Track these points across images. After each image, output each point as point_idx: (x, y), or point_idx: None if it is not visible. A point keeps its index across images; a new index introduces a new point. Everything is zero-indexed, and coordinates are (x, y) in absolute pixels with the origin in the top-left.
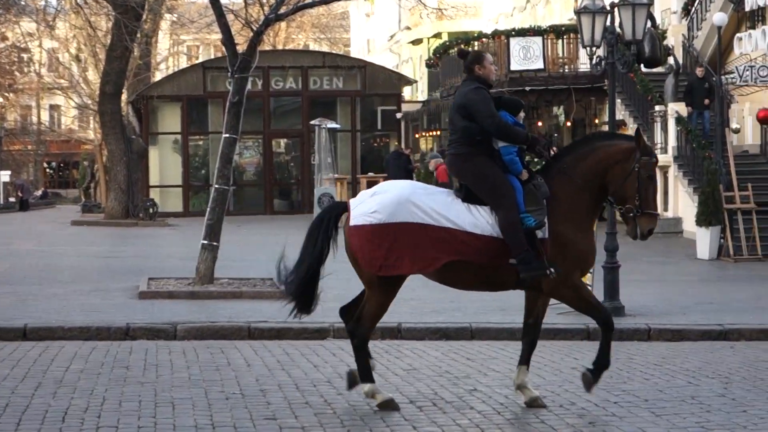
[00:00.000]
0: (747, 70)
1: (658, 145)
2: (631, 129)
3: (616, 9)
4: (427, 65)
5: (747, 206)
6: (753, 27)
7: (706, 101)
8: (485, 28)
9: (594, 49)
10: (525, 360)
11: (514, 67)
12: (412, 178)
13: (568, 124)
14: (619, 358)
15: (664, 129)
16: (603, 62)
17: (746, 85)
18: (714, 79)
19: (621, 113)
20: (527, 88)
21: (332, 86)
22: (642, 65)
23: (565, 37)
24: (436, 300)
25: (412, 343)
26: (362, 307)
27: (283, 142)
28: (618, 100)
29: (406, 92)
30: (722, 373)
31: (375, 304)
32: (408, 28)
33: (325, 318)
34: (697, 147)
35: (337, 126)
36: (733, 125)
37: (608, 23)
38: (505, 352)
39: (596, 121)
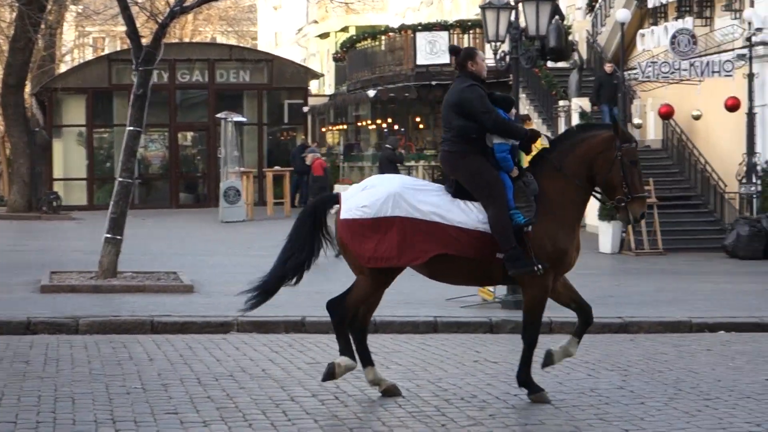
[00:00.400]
0: (649, 66)
1: None
2: (535, 123)
3: (520, 5)
4: (335, 59)
5: (649, 201)
6: (656, 23)
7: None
8: (392, 22)
9: (498, 44)
10: (578, 334)
11: (420, 61)
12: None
13: None
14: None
15: (568, 124)
16: (507, 57)
17: (648, 81)
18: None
19: (526, 108)
20: (434, 83)
21: (239, 79)
22: (548, 58)
23: (471, 31)
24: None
25: (316, 337)
26: (349, 289)
27: (189, 135)
28: (523, 95)
29: (313, 86)
30: (621, 365)
31: (361, 290)
32: (315, 21)
33: (228, 312)
34: None
35: (244, 119)
36: (636, 120)
37: (512, 19)
38: (408, 346)
39: None
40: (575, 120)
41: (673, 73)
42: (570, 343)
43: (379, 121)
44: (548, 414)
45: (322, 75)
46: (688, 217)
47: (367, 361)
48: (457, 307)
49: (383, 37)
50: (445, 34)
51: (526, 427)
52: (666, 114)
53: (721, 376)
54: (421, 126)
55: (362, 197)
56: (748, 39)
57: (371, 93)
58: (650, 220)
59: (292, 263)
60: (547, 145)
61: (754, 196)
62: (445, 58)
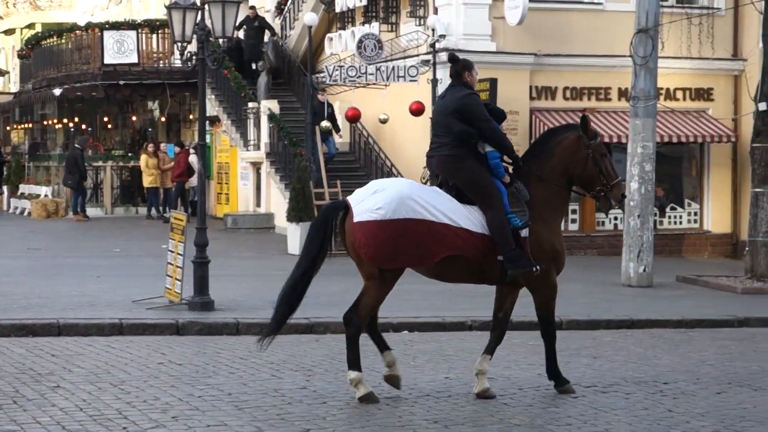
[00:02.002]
0: (336, 69)
1: (251, 142)
2: (225, 125)
3: (206, 6)
4: (20, 56)
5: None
6: (344, 28)
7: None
8: (81, 20)
9: (185, 44)
10: (490, 350)
11: (107, 60)
12: None
13: (163, 119)
14: (206, 353)
15: (257, 126)
16: (194, 58)
17: (336, 85)
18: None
19: (215, 109)
20: (121, 82)
21: None
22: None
23: (159, 31)
24: (22, 296)
25: None
26: (359, 297)
27: None
28: (212, 96)
29: None
30: (306, 365)
31: (373, 295)
32: (0, 17)
33: None
34: (289, 144)
35: None
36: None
37: (199, 19)
38: (92, 348)
39: (191, 116)
40: (264, 122)
41: (359, 77)
42: (483, 361)
43: (66, 121)
44: (231, 415)
45: (7, 72)
46: None
47: (383, 347)
48: (144, 309)
49: (71, 35)
50: (133, 34)
51: (208, 428)
52: (352, 117)
53: (403, 375)
54: (109, 126)
55: (375, 200)
56: (432, 45)
57: (57, 91)
58: None
59: (302, 286)
60: None
61: None
62: (134, 58)
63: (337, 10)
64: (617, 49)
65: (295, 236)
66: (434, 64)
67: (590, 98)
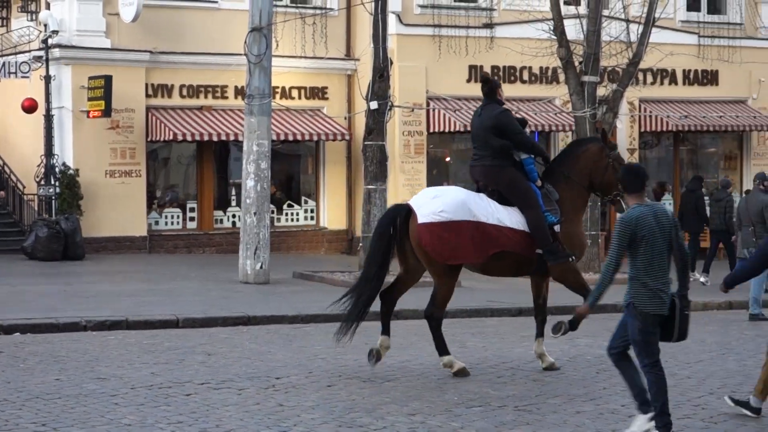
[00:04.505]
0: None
1: None
2: None
3: None
4: None
5: None
6: None
7: None
8: None
9: None
10: (540, 333)
11: None
12: None
13: None
14: None
15: None
16: None
17: None
18: None
19: None
20: None
21: None
22: None
23: None
24: None
25: None
26: (433, 295)
27: None
28: None
29: None
30: None
31: (446, 289)
32: None
33: None
34: None
35: None
36: None
37: None
38: None
39: None
40: None
41: None
42: (539, 344)
43: None
44: None
45: None
46: None
47: (386, 330)
48: None
49: None
50: None
51: None
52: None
53: (12, 378)
54: None
55: (437, 203)
56: (45, 41)
57: None
58: None
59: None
60: None
61: (53, 197)
62: None
63: None
64: (233, 47)
65: None
66: (47, 60)
67: (207, 96)
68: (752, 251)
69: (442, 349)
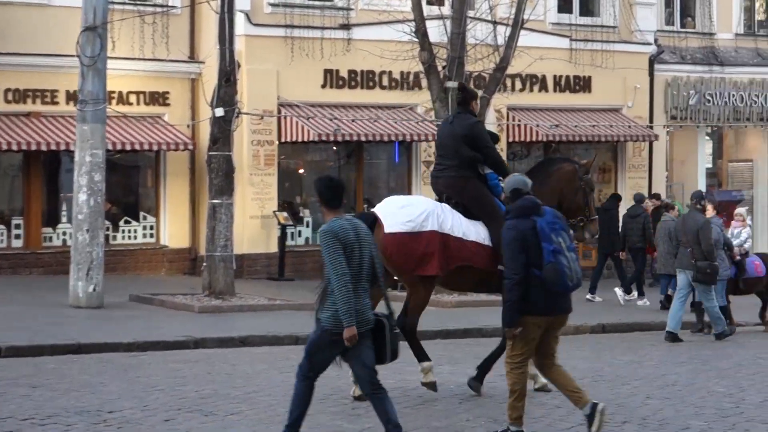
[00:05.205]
0: None
1: None
2: None
3: None
4: None
5: None
6: None
7: None
8: None
9: None
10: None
11: None
12: None
13: None
14: None
15: None
16: None
17: None
18: None
19: None
20: None
21: None
22: None
23: None
24: None
25: None
26: (406, 302)
27: None
28: None
29: None
30: None
31: (419, 298)
32: None
33: None
34: None
35: None
36: None
37: None
38: None
39: None
40: None
41: None
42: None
43: None
44: None
45: None
46: None
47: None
48: None
49: None
50: None
51: None
52: None
53: None
54: None
55: (404, 214)
56: None
57: None
58: None
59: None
60: None
61: None
62: None
63: None
64: (66, 48)
65: None
66: None
67: (35, 101)
68: (689, 273)
69: (420, 355)
